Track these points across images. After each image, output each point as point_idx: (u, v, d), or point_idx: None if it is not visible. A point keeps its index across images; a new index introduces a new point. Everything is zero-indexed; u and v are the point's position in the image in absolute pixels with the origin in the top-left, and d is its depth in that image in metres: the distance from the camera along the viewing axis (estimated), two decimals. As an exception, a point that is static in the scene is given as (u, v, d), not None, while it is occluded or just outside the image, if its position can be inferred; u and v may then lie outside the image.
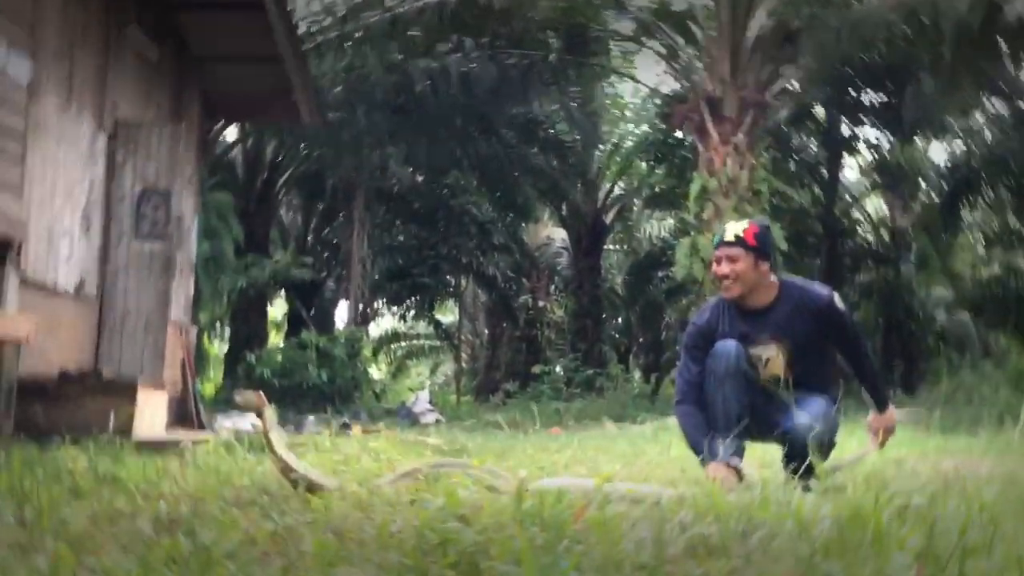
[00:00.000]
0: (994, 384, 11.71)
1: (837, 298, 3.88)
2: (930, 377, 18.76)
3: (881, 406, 3.96)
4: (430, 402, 11.38)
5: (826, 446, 3.63)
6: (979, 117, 16.36)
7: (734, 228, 3.81)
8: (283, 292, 22.15)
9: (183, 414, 7.05)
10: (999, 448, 6.29)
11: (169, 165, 6.48)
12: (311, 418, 8.86)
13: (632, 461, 5.09)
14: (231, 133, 17.68)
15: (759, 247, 3.74)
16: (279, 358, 11.18)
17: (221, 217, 11.47)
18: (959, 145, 17.89)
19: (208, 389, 17.52)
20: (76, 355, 6.19)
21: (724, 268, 3.73)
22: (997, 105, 15.69)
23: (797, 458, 3.46)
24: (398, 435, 6.57)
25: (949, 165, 18.11)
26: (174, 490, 3.24)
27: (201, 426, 6.93)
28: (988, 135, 16.79)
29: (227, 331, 17.72)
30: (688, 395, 3.85)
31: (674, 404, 4.05)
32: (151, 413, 4.87)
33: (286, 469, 3.31)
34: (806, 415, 3.65)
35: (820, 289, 3.94)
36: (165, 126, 6.62)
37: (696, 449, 3.76)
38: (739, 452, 3.69)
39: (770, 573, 1.85)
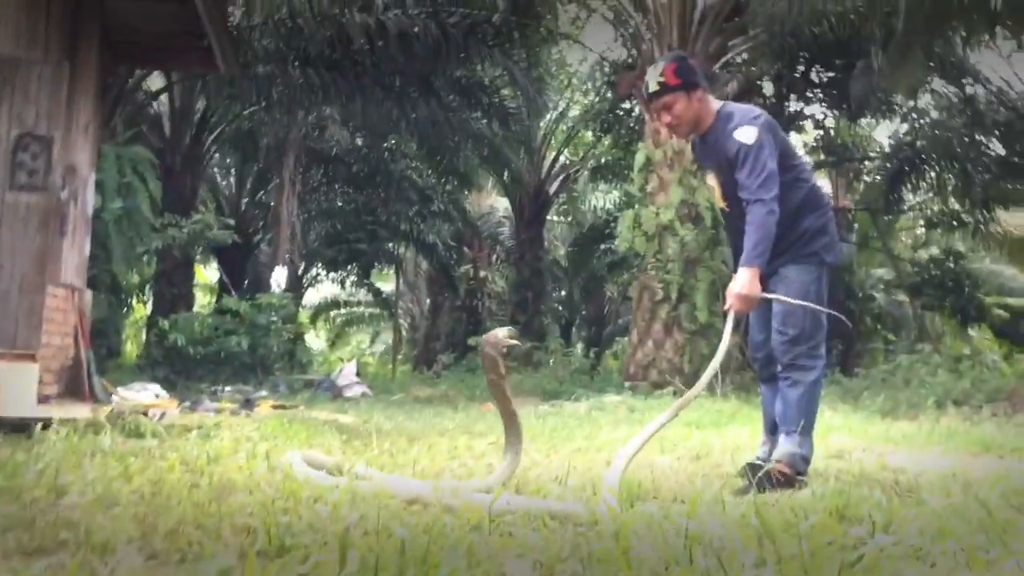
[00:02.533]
0: (932, 367, 11.61)
1: (750, 128, 3.50)
2: (867, 358, 18.85)
3: (741, 263, 3.52)
4: (357, 374, 10.87)
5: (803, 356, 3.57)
6: (927, 98, 16.22)
7: (654, 77, 3.64)
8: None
9: (75, 385, 6.46)
10: (941, 436, 6.06)
11: (52, 109, 5.82)
12: (218, 392, 8.30)
13: (557, 447, 4.68)
14: (157, 85, 16.93)
15: (684, 80, 3.60)
16: (196, 324, 10.54)
17: (137, 173, 10.70)
18: (904, 126, 17.77)
19: (131, 356, 16.76)
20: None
21: (665, 118, 3.67)
22: (945, 87, 15.54)
23: None
24: (307, 413, 6.07)
25: (893, 144, 18.00)
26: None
27: (94, 399, 6.36)
28: (934, 116, 16.69)
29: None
30: None
31: None
32: (19, 386, 4.32)
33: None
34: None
35: (745, 114, 3.61)
36: (48, 65, 5.93)
37: None
38: None
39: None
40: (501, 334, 3.06)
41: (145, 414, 4.75)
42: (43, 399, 6.07)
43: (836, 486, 3.10)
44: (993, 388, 10.19)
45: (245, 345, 10.64)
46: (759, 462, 3.59)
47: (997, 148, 16.29)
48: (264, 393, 9.17)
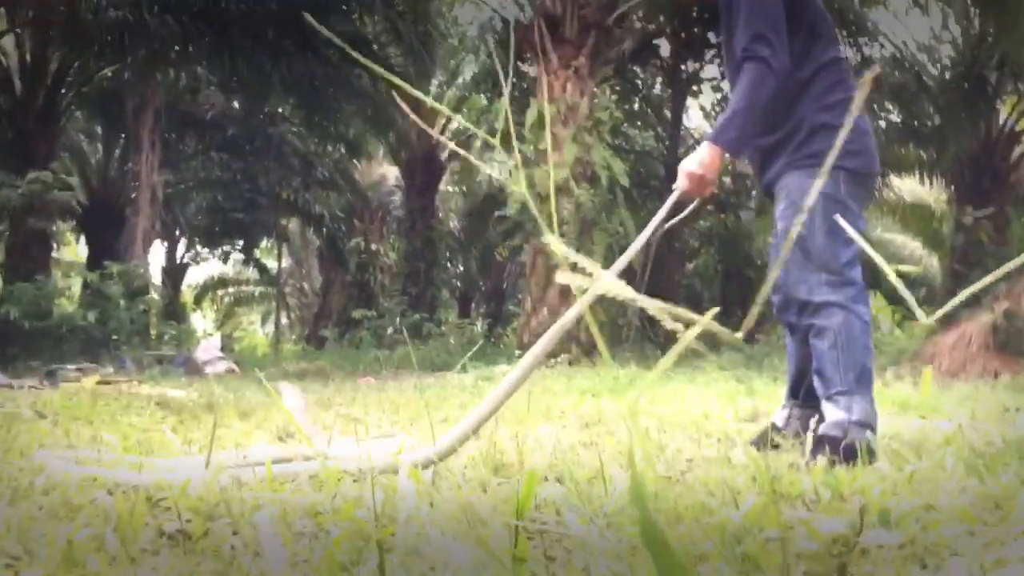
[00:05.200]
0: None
1: None
2: (766, 326, 18.68)
3: (707, 136, 2.77)
4: (222, 349, 9.84)
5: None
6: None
7: None
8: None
9: None
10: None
11: None
12: (57, 371, 7.20)
13: (419, 418, 3.89)
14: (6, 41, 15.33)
15: None
16: (32, 295, 9.31)
17: (-35, 127, 9.41)
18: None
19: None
20: None
21: None
22: (845, 47, 15.27)
23: None
24: (136, 389, 5.12)
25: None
26: None
27: None
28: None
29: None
30: None
31: None
32: None
33: None
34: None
35: None
36: None
37: None
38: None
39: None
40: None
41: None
42: None
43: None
44: (896, 350, 9.93)
45: (92, 319, 9.47)
46: (774, 428, 2.84)
47: (893, 113, 16.20)
48: (108, 370, 8.11)
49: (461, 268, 27.44)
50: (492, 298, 27.88)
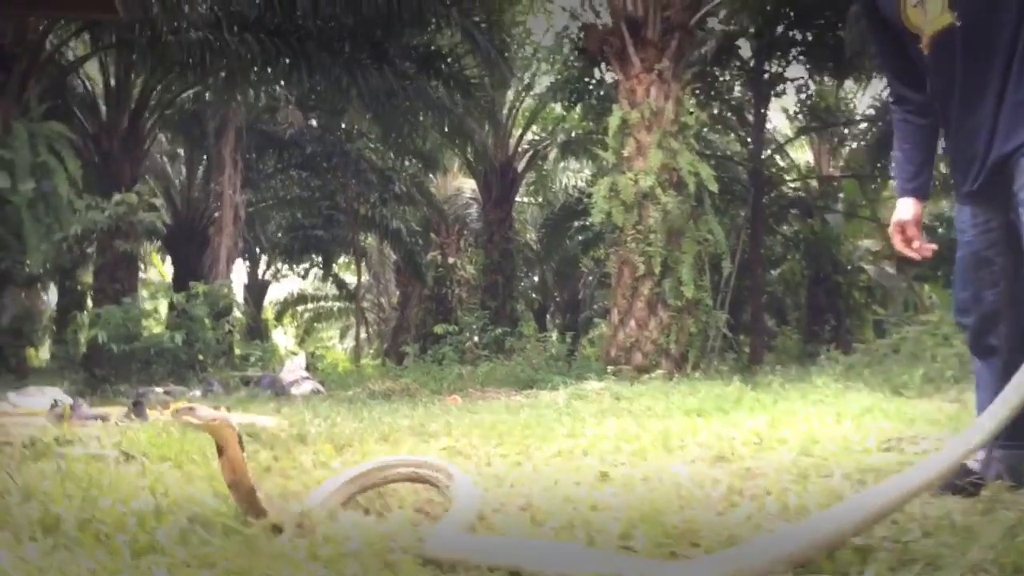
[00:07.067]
0: (939, 338, 10.65)
1: None
2: (858, 333, 17.93)
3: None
4: (307, 368, 9.71)
5: None
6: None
7: None
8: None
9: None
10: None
11: None
12: (146, 394, 7.12)
13: (531, 449, 3.58)
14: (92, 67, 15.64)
15: None
16: (120, 318, 9.32)
17: (53, 152, 9.48)
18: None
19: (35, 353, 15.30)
20: None
21: None
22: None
23: None
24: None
25: (879, 106, 17.03)
26: None
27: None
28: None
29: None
30: None
31: None
32: None
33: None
34: None
35: None
36: None
37: None
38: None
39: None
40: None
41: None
42: None
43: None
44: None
45: (179, 340, 9.44)
46: (975, 471, 2.44)
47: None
48: (196, 393, 8.02)
49: (535, 279, 27.16)
50: (567, 309, 27.51)
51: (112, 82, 15.01)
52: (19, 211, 9.05)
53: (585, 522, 1.83)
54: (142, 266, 19.13)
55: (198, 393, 8.16)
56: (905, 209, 2.66)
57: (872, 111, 17.66)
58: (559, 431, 4.34)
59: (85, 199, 9.89)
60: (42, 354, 19.62)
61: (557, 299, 28.28)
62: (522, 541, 1.71)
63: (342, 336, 39.36)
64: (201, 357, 9.79)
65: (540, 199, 23.50)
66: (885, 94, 17.34)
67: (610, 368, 10.27)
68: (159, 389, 8.25)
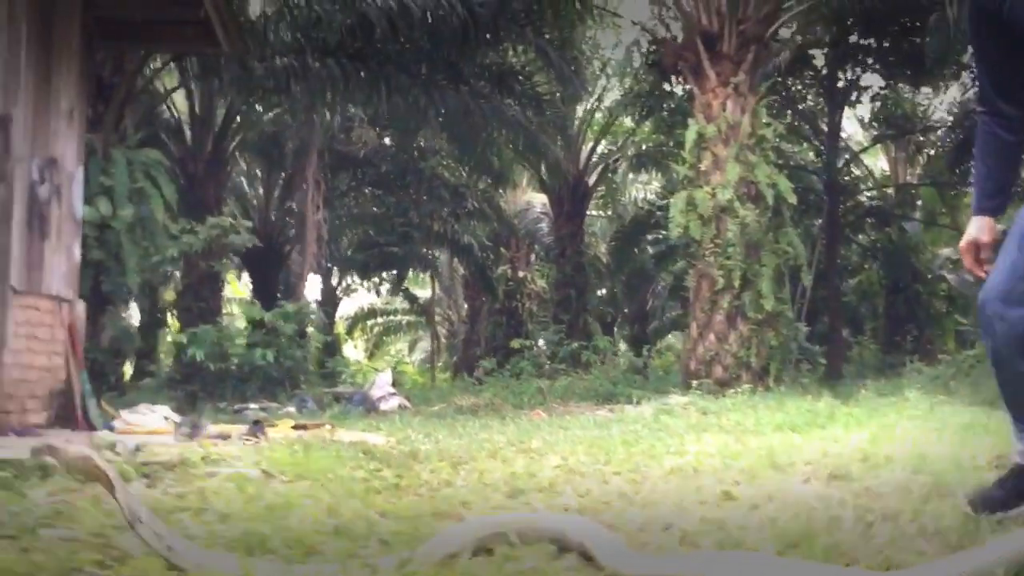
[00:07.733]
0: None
1: None
2: (939, 344, 17.57)
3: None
4: (393, 384, 9.95)
5: None
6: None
7: None
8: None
9: (68, 412, 5.60)
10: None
11: (7, 85, 4.91)
12: (243, 410, 7.39)
13: (640, 467, 3.68)
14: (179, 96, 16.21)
15: None
16: (215, 337, 9.68)
17: (149, 178, 9.89)
18: (972, 92, 16.46)
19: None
20: None
21: None
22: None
23: None
24: (332, 434, 5.14)
25: (958, 112, 16.71)
26: None
27: (89, 426, 5.50)
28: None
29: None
30: None
31: None
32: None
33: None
34: None
35: None
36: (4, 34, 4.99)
37: None
38: None
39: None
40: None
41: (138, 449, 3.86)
42: (26, 429, 5.20)
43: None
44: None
45: (271, 358, 9.74)
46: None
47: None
48: (290, 410, 8.28)
49: (603, 292, 27.16)
50: (636, 321, 27.46)
51: (197, 108, 15.60)
52: (119, 235, 9.43)
53: (737, 544, 1.93)
54: (223, 284, 19.68)
55: (292, 409, 8.43)
56: (979, 228, 2.53)
57: (951, 118, 17.33)
58: (661, 448, 4.42)
59: (180, 223, 10.29)
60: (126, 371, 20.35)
61: (625, 311, 28.24)
62: (742, 554, 1.77)
63: (411, 349, 39.81)
64: (292, 374, 10.11)
65: (610, 212, 23.55)
66: (964, 97, 17.02)
67: (694, 382, 10.29)
68: (254, 405, 8.54)
